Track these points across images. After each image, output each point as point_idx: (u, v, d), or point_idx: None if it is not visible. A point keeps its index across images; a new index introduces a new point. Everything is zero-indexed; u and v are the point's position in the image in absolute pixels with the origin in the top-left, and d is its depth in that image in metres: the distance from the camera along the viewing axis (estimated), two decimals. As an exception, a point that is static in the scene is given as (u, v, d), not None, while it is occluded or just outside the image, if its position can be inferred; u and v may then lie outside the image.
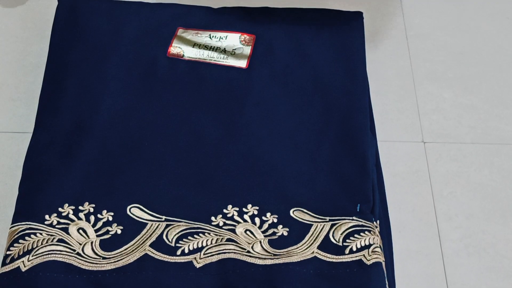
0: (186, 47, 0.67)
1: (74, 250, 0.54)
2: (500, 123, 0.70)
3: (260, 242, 0.56)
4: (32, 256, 0.53)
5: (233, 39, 0.68)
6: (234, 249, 0.55)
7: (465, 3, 0.79)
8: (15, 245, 0.54)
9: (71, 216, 0.57)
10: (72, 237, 0.55)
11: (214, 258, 0.54)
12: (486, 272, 0.62)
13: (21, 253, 0.53)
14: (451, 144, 0.70)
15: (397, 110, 0.70)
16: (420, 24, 0.77)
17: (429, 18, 0.78)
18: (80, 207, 0.58)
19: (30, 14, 0.78)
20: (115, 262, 0.53)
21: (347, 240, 0.56)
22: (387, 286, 0.54)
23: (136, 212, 0.58)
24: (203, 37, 0.68)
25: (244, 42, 0.68)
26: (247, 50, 0.67)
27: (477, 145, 0.70)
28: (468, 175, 0.69)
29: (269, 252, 0.55)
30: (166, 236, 0.56)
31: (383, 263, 0.53)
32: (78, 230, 0.56)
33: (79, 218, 0.57)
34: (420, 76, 0.71)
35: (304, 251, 0.55)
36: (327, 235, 0.56)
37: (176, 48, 0.67)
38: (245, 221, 0.58)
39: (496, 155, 0.70)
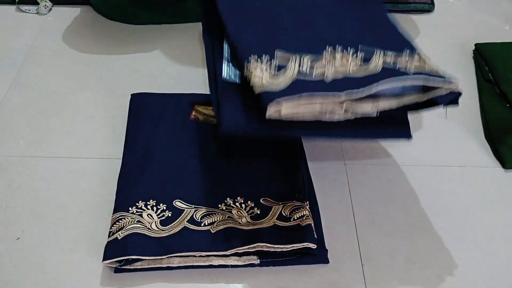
0: (199, 115, 0.98)
1: (146, 226, 0.78)
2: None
3: (245, 217, 0.81)
4: (123, 230, 0.77)
5: None
6: (231, 222, 0.79)
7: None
8: (114, 225, 0.78)
9: (143, 207, 0.81)
10: (144, 219, 0.79)
11: (221, 227, 0.79)
12: (376, 230, 0.86)
13: (118, 229, 0.78)
14: (362, 165, 0.96)
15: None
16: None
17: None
18: (148, 203, 0.82)
19: (119, 101, 1.06)
20: (168, 231, 0.78)
21: (291, 214, 0.81)
22: (315, 236, 0.78)
23: (178, 204, 0.82)
24: (209, 109, 0.97)
25: None
26: None
27: (373, 165, 0.97)
28: (369, 182, 0.93)
29: (250, 223, 0.79)
30: (195, 216, 0.80)
31: (312, 224, 0.79)
32: (147, 215, 0.80)
33: (147, 209, 0.81)
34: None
35: (269, 221, 0.80)
36: (280, 212, 0.81)
37: (194, 115, 0.97)
38: (237, 206, 0.82)
39: (384, 171, 0.96)
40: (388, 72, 0.70)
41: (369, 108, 0.70)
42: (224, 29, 0.80)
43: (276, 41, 0.75)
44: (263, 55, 0.72)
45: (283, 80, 0.68)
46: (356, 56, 0.73)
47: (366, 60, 0.73)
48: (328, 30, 0.79)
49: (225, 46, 0.80)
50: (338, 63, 0.72)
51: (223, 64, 0.77)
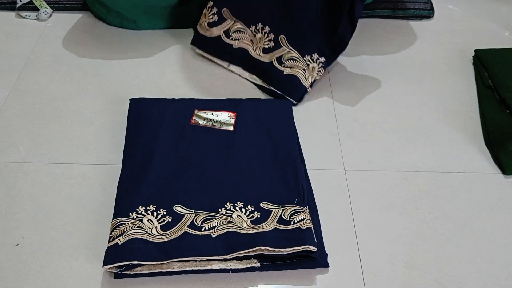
0: (200, 119, 0.96)
1: (146, 231, 0.79)
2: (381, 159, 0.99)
3: (246, 222, 0.81)
4: (124, 236, 0.78)
5: (224, 115, 0.97)
6: (232, 226, 0.80)
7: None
8: (114, 231, 0.79)
9: (143, 213, 0.81)
10: (144, 224, 0.80)
11: (222, 231, 0.79)
12: (376, 236, 0.86)
13: (118, 234, 0.78)
14: (361, 172, 0.97)
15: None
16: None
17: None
18: (148, 208, 0.82)
19: (118, 106, 1.07)
20: (169, 236, 0.79)
21: (291, 217, 0.81)
22: (315, 239, 0.79)
23: (178, 209, 0.83)
24: (208, 114, 0.97)
25: (230, 116, 0.98)
26: (232, 121, 0.96)
27: (372, 171, 0.97)
28: (369, 188, 0.94)
29: (251, 227, 0.80)
30: (196, 221, 0.81)
31: (312, 228, 0.80)
32: (147, 220, 0.80)
33: (148, 214, 0.81)
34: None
35: (269, 225, 0.80)
36: (280, 215, 0.82)
37: (195, 120, 0.96)
38: (237, 210, 0.83)
39: (384, 177, 0.96)
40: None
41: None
42: None
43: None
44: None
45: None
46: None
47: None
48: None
49: None
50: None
51: None
